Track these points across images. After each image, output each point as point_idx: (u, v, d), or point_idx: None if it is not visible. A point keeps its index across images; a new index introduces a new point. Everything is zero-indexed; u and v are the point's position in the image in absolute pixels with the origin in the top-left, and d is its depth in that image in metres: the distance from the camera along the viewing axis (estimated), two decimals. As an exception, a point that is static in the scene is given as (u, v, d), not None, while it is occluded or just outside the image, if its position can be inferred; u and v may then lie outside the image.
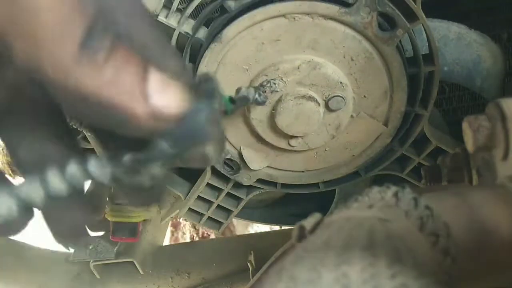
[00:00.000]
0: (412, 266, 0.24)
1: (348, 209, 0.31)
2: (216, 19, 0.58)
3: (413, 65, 0.58)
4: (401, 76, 0.58)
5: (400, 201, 0.30)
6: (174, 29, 0.57)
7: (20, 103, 0.27)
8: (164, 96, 0.23)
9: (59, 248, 0.71)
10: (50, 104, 0.27)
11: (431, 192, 0.33)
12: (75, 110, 0.24)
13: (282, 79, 0.57)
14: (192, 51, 0.59)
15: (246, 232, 1.63)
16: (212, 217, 0.77)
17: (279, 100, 0.58)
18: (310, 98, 0.57)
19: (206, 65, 0.58)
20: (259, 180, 0.70)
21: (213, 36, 0.56)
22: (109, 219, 0.79)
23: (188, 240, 1.65)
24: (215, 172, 0.71)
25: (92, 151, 0.71)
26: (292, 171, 0.68)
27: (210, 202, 0.75)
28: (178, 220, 1.64)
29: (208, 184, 0.72)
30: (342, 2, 0.53)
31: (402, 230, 0.27)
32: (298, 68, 0.56)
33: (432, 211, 0.29)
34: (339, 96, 0.57)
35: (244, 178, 0.69)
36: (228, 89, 0.59)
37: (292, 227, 0.32)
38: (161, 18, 0.56)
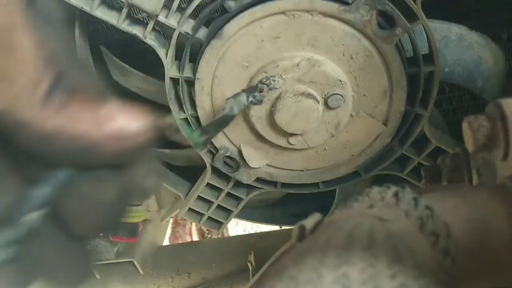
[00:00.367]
0: (412, 266, 0.24)
1: (348, 209, 0.31)
2: (216, 19, 0.58)
3: (413, 65, 0.58)
4: (401, 75, 0.58)
5: (400, 201, 0.29)
6: (174, 29, 0.57)
7: None
8: (115, 120, 0.29)
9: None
10: None
11: (431, 192, 0.33)
12: (42, 149, 0.28)
13: (281, 76, 0.57)
14: (192, 51, 0.59)
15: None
16: (212, 217, 0.77)
17: (278, 97, 0.58)
18: (309, 96, 0.57)
19: (206, 62, 0.58)
20: (259, 180, 0.70)
21: (214, 33, 0.56)
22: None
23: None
24: (215, 171, 0.71)
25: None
26: (291, 170, 0.68)
27: (210, 202, 0.75)
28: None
29: (208, 184, 0.72)
30: (341, 0, 0.54)
31: (402, 230, 0.27)
32: (298, 65, 0.57)
33: (432, 211, 0.29)
34: (338, 94, 0.58)
35: (244, 176, 0.69)
36: (228, 86, 0.59)
37: (292, 227, 0.32)
38: (161, 18, 0.56)
